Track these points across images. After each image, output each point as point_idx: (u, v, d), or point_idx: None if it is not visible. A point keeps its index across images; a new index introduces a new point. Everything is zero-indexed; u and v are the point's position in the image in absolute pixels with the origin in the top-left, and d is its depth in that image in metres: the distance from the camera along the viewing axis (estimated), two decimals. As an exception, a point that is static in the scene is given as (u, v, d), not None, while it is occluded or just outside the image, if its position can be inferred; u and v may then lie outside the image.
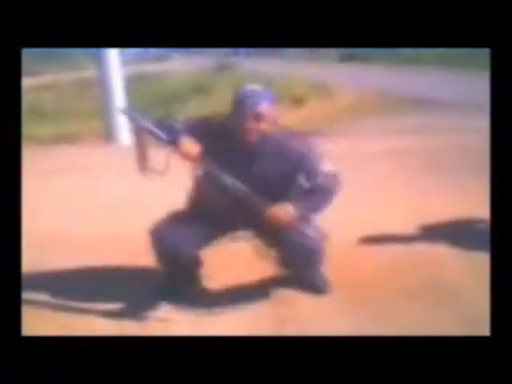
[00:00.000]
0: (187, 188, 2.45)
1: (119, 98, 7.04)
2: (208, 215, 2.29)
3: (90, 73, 14.69)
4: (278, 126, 2.22)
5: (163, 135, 2.12)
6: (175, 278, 2.51)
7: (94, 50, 7.56)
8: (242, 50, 33.79)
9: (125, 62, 7.36)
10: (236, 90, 2.22)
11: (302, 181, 2.21)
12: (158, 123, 2.15)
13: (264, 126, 2.14)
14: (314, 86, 11.54)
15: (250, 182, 2.17)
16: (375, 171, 4.69)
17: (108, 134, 7.08)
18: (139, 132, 2.17)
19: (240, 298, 2.51)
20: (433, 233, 3.18)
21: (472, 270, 2.68)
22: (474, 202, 3.53)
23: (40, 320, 2.35)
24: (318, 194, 2.23)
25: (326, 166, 2.24)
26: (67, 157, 6.18)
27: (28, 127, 7.24)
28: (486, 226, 2.68)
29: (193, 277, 2.57)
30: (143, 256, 2.69)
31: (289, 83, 10.86)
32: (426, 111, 8.49)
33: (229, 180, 2.15)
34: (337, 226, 2.95)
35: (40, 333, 2.13)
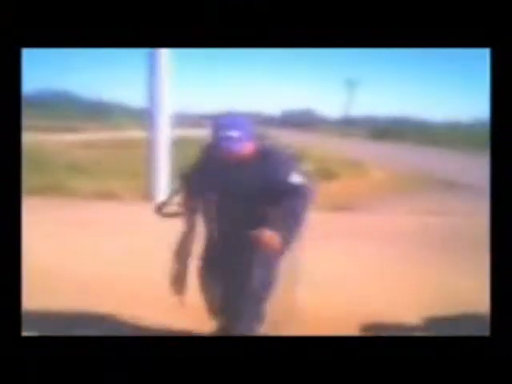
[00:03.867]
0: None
1: (164, 158, 7.20)
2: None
3: (131, 132, 14.78)
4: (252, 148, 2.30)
5: None
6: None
7: (141, 110, 7.82)
8: (277, 121, 34.60)
9: (173, 124, 7.49)
10: (214, 121, 2.31)
11: (280, 202, 2.23)
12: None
13: (239, 156, 2.26)
14: (346, 161, 11.79)
15: (234, 194, 2.27)
16: (397, 249, 4.68)
17: (148, 193, 7.18)
18: None
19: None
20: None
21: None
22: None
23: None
24: (292, 210, 2.22)
25: (296, 178, 2.25)
26: (103, 212, 6.26)
27: (69, 181, 7.60)
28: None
29: None
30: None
31: (321, 157, 10.97)
32: (453, 193, 8.70)
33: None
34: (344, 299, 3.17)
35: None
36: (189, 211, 2.44)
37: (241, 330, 2.41)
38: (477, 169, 11.78)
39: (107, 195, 7.22)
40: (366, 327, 2.95)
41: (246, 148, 2.26)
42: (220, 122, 2.26)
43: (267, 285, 2.39)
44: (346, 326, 2.92)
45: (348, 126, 35.48)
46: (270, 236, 2.12)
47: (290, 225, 2.19)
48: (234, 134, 2.21)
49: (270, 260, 2.33)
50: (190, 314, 2.76)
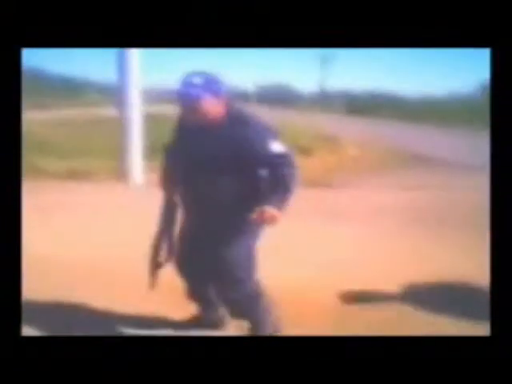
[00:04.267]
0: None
1: (137, 136, 7.04)
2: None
3: (104, 110, 14.66)
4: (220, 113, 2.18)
5: None
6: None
7: (114, 87, 7.55)
8: (253, 97, 34.19)
9: (144, 101, 7.31)
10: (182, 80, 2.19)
11: (262, 172, 2.20)
12: None
13: (206, 118, 2.14)
14: (322, 137, 11.70)
15: (203, 161, 2.18)
16: (374, 226, 4.71)
17: (122, 173, 7.03)
18: None
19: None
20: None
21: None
22: (471, 261, 3.51)
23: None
24: (281, 180, 2.18)
25: (277, 147, 2.17)
26: (76, 192, 6.17)
27: (38, 160, 7.33)
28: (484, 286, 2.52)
29: None
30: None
31: (297, 133, 10.96)
32: (427, 168, 8.75)
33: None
34: (328, 273, 3.17)
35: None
36: (167, 188, 2.36)
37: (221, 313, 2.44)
38: (453, 144, 11.96)
39: (80, 175, 7.06)
40: (353, 302, 2.99)
41: (215, 109, 2.14)
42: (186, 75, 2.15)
43: (247, 265, 2.34)
44: (332, 303, 2.96)
45: (323, 101, 34.90)
46: (272, 213, 2.10)
47: (281, 195, 2.16)
48: (196, 80, 2.10)
49: (249, 239, 2.31)
50: (167, 297, 2.76)
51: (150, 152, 7.02)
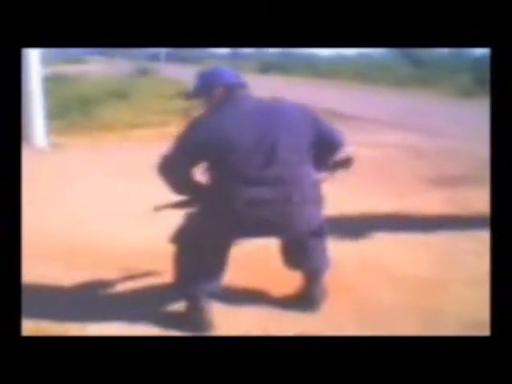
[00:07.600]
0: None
1: (37, 98, 6.93)
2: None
3: None
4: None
5: None
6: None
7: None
8: (163, 55, 32.94)
9: (42, 63, 7.16)
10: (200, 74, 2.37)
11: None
12: None
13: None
14: None
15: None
16: None
17: (24, 136, 6.71)
18: None
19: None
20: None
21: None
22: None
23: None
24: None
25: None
26: None
27: None
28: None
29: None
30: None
31: None
32: (338, 125, 8.76)
33: None
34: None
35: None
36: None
37: None
38: (365, 100, 12.21)
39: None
40: None
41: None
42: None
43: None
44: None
45: (236, 57, 34.11)
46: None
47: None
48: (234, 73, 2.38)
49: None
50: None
51: (51, 113, 6.90)
